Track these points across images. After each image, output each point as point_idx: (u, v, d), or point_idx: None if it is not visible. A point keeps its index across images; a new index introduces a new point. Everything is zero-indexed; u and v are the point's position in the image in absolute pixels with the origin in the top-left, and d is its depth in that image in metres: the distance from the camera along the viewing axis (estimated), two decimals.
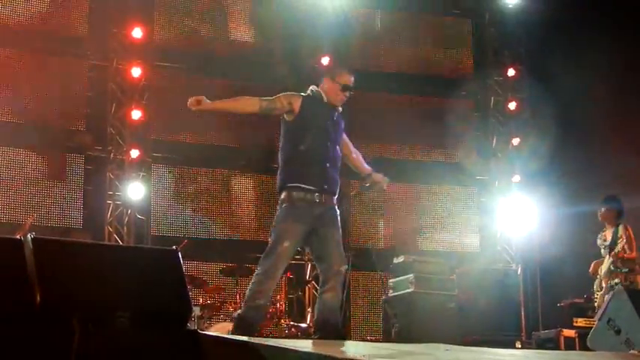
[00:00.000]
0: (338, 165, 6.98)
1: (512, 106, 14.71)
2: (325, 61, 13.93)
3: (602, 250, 9.68)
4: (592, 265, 9.80)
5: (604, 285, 9.47)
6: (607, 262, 9.51)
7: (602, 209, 9.75)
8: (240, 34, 14.13)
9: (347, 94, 7.10)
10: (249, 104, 6.88)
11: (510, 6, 14.61)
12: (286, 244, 6.67)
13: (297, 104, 6.92)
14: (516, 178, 14.48)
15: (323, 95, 7.11)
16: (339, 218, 6.94)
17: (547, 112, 13.78)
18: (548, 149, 13.55)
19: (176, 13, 13.78)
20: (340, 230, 6.96)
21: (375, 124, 14.57)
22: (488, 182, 14.85)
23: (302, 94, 7.09)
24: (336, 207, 6.93)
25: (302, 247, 7.22)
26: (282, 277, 11.92)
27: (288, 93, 7.00)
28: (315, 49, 14.05)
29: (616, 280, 9.32)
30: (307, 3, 13.99)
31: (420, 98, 14.93)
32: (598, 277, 9.69)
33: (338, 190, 6.93)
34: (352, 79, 7.17)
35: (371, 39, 14.81)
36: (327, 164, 6.84)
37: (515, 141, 14.58)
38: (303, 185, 6.75)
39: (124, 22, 13.03)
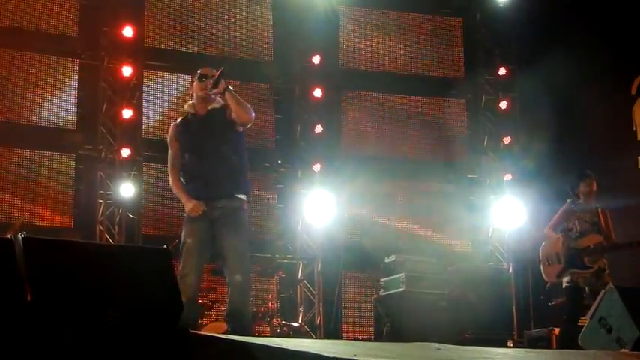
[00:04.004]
0: (227, 164, 7.05)
1: (503, 105, 14.71)
2: (316, 60, 13.94)
3: (588, 226, 9.09)
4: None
5: (594, 265, 9.01)
6: (594, 240, 9.12)
7: (594, 182, 9.25)
8: (231, 33, 14.09)
9: (209, 81, 7.07)
10: (176, 176, 7.29)
11: (501, 5, 14.61)
12: (189, 240, 6.99)
13: (172, 135, 7.31)
14: (507, 176, 14.48)
15: (192, 108, 7.24)
16: (240, 221, 7.05)
17: (538, 110, 13.81)
18: (539, 148, 13.56)
19: (167, 12, 13.76)
20: (241, 234, 7.04)
21: (366, 122, 14.58)
22: (480, 181, 14.85)
23: (177, 120, 7.38)
24: (237, 208, 7.03)
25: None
26: (274, 276, 11.96)
27: (169, 131, 7.37)
28: (306, 48, 14.05)
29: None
30: (298, 2, 13.98)
31: (411, 97, 14.92)
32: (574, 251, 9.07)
33: (236, 189, 7.06)
34: (211, 69, 7.21)
35: (362, 38, 14.80)
36: (209, 175, 7.01)
37: (507, 140, 14.58)
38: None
39: (115, 20, 13.00)
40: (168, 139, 7.34)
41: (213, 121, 7.10)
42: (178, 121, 7.32)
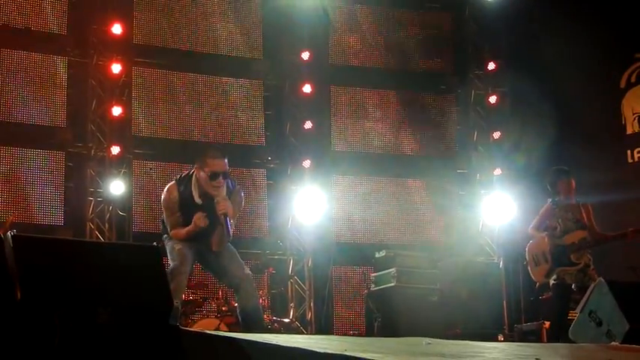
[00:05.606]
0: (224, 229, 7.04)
1: (492, 99, 14.71)
2: (305, 56, 13.93)
3: (571, 224, 9.05)
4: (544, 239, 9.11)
5: (580, 261, 9.03)
6: (578, 236, 9.14)
7: (572, 179, 9.20)
8: (220, 30, 14.08)
9: (220, 180, 6.95)
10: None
11: (490, 0, 14.61)
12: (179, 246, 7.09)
13: (173, 201, 7.09)
14: (497, 171, 14.48)
15: (192, 187, 7.05)
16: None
17: (527, 105, 13.83)
18: (529, 142, 13.58)
19: (155, 9, 13.73)
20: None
21: (356, 118, 14.59)
22: (470, 176, 14.85)
23: (175, 183, 7.18)
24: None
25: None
26: (265, 273, 11.95)
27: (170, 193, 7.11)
28: (295, 45, 14.04)
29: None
30: None
31: (401, 92, 14.93)
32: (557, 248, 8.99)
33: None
34: (224, 162, 7.02)
35: (351, 33, 14.79)
36: (207, 234, 7.05)
37: (496, 134, 14.58)
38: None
39: (104, 18, 12.97)
40: (168, 202, 7.12)
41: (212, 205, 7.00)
42: (177, 182, 7.16)
